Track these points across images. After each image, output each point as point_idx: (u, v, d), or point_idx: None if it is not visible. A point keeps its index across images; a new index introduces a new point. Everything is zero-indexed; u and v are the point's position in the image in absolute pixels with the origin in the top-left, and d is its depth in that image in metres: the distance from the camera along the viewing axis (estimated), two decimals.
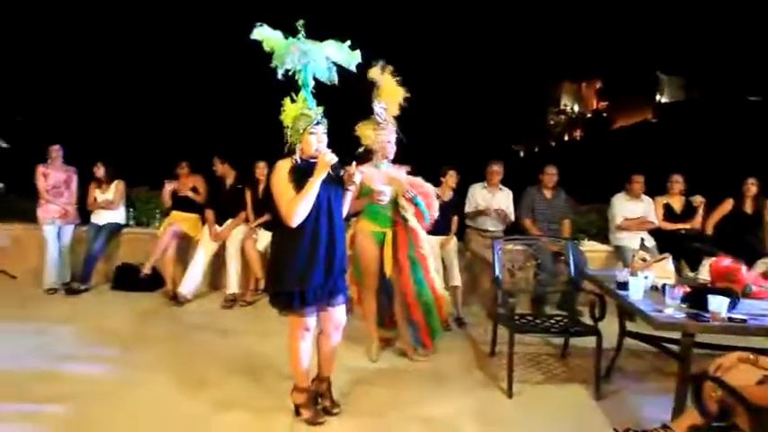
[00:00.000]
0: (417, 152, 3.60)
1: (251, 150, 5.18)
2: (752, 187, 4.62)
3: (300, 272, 2.31)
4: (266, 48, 2.36)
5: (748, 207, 4.64)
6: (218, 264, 4.86)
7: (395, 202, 3.22)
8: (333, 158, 2.29)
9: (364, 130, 3.24)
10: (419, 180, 3.37)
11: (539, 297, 4.34)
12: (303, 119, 2.32)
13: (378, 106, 3.17)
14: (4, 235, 5.37)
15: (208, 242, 4.68)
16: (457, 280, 4.28)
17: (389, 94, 3.21)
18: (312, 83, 2.41)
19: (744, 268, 2.84)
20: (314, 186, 2.27)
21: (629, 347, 3.27)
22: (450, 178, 4.45)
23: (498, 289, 3.36)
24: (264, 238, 4.70)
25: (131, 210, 5.38)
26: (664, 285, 2.62)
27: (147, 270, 4.75)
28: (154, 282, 4.88)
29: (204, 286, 4.91)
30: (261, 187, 4.76)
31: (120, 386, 2.94)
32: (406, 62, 3.19)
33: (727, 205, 4.67)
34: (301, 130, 2.32)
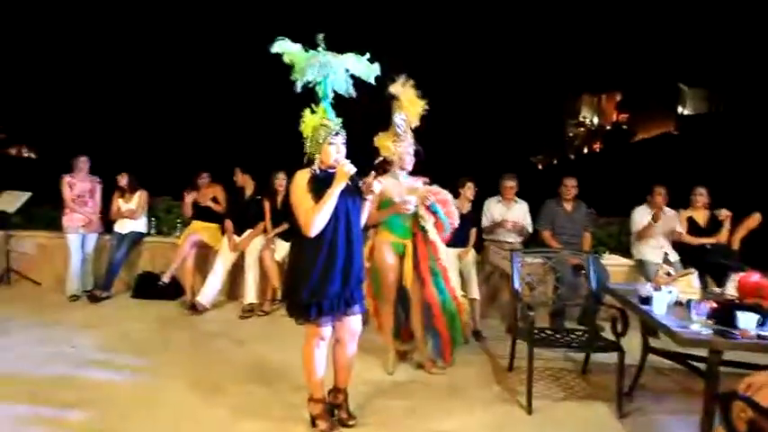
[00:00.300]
0: (435, 164, 3.60)
1: (269, 161, 5.22)
2: None
3: (318, 281, 2.32)
4: (287, 60, 2.39)
5: None
6: (236, 274, 4.90)
7: (414, 213, 3.22)
8: (351, 169, 2.31)
9: (383, 142, 3.26)
10: (436, 188, 3.36)
11: (558, 311, 4.26)
12: (323, 129, 2.35)
13: (398, 117, 3.19)
14: (30, 242, 5.52)
15: (227, 252, 4.73)
16: (475, 293, 4.23)
17: (409, 106, 3.22)
18: (331, 94, 2.44)
19: None
20: (332, 197, 2.29)
21: (652, 364, 3.18)
22: (468, 190, 4.42)
23: (518, 302, 3.31)
24: (282, 249, 4.73)
25: (153, 219, 5.48)
26: (689, 301, 2.54)
27: (166, 279, 4.82)
28: (173, 290, 4.94)
29: (222, 296, 4.96)
30: (279, 198, 4.80)
31: (140, 393, 2.97)
32: (425, 74, 3.20)
33: (754, 220, 4.54)
34: (321, 141, 2.34)
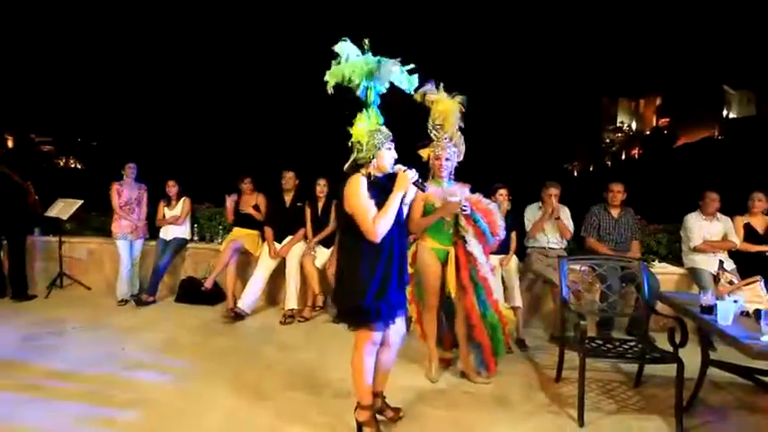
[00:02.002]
0: (471, 171, 3.54)
1: (306, 167, 5.27)
2: None
3: (379, 286, 2.31)
4: (343, 64, 2.36)
5: None
6: (276, 280, 4.95)
7: (456, 221, 3.17)
8: (414, 176, 2.35)
9: (424, 149, 3.25)
10: (478, 196, 3.30)
11: (606, 321, 4.11)
12: (379, 135, 2.34)
13: (432, 125, 3.21)
14: (81, 248, 5.74)
15: (267, 259, 4.78)
16: (518, 301, 4.13)
17: (443, 112, 3.20)
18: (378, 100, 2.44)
19: None
20: (395, 202, 2.32)
21: (710, 379, 3.01)
22: (501, 196, 4.30)
23: (566, 310, 3.20)
24: (322, 255, 4.75)
25: (196, 226, 5.61)
26: (758, 311, 2.39)
27: (208, 284, 4.90)
28: (215, 296, 5.03)
29: (263, 301, 5.01)
30: (320, 204, 4.84)
31: (186, 396, 3.02)
32: (461, 81, 3.20)
33: None
34: (379, 146, 2.33)
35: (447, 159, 3.23)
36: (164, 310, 4.94)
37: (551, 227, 4.43)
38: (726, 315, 2.41)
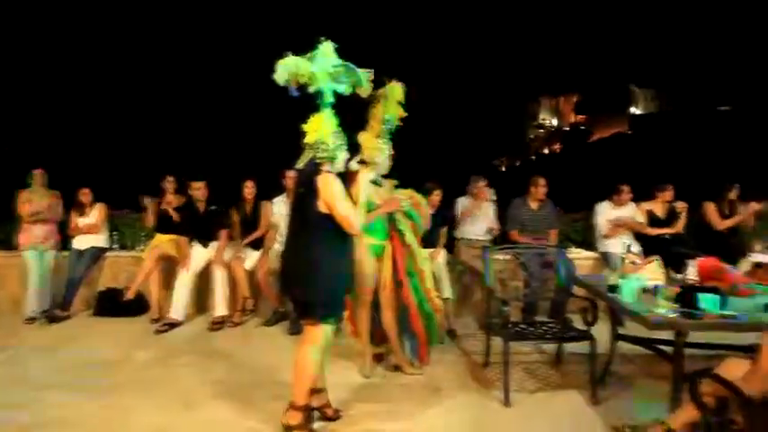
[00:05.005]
0: (401, 167, 3.60)
1: (216, 169, 5.11)
2: (731, 192, 4.78)
3: (349, 279, 2.56)
4: (300, 72, 2.34)
5: (727, 210, 4.80)
6: (203, 285, 4.77)
7: (391, 216, 3.22)
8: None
9: (371, 142, 3.17)
10: (410, 191, 3.37)
11: (529, 306, 4.35)
12: (339, 136, 2.47)
13: (388, 119, 3.18)
14: None
15: (194, 263, 4.59)
16: (448, 292, 4.26)
17: (396, 109, 3.21)
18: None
19: (729, 267, 2.89)
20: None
21: (620, 351, 3.28)
22: (437, 197, 4.43)
23: (491, 298, 3.35)
24: (251, 258, 4.64)
25: (115, 233, 5.27)
26: (655, 287, 2.64)
27: (131, 294, 4.63)
28: (138, 306, 4.76)
29: (189, 309, 4.80)
30: (249, 207, 4.73)
31: (108, 414, 2.84)
32: (390, 77, 3.21)
33: (712, 209, 4.80)
34: (342, 146, 2.48)
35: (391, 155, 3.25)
36: (80, 325, 4.59)
37: (479, 220, 4.63)
38: (630, 292, 2.64)
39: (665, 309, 2.44)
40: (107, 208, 5.08)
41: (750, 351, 2.12)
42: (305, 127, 2.44)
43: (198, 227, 4.66)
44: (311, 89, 2.40)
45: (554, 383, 3.22)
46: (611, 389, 3.08)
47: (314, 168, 2.42)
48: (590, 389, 2.94)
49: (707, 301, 2.38)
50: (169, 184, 4.86)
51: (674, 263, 4.39)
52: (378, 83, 3.12)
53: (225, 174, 4.89)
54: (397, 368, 3.38)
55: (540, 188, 4.76)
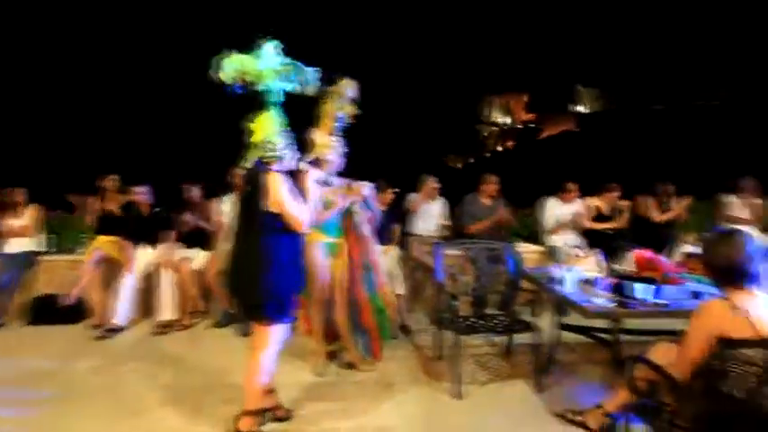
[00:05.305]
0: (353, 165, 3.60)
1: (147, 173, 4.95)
2: (666, 187, 5.10)
3: (300, 278, 2.51)
4: (246, 70, 2.31)
5: (663, 204, 5.12)
6: (148, 287, 4.58)
7: (347, 211, 3.21)
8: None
9: (324, 140, 3.16)
10: (358, 183, 3.37)
11: (479, 299, 4.44)
12: (286, 135, 2.44)
13: (341, 117, 3.17)
14: None
15: (137, 265, 4.40)
16: (400, 288, 4.29)
17: (348, 107, 3.19)
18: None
19: (663, 258, 3.07)
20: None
21: (564, 341, 3.42)
22: (389, 195, 4.47)
23: (441, 293, 3.41)
24: (199, 258, 4.50)
25: (52, 236, 4.97)
26: (595, 278, 2.77)
27: (70, 300, 4.37)
28: (77, 312, 4.51)
29: (134, 313, 4.59)
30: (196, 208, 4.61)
31: (50, 425, 2.69)
32: (342, 74, 3.20)
33: (653, 203, 5.07)
34: (288, 145, 2.45)
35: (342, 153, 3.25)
36: (12, 335, 4.29)
37: (431, 216, 4.71)
38: (570, 284, 2.75)
39: (602, 299, 2.56)
40: (40, 209, 4.79)
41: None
42: (251, 126, 2.39)
43: (142, 229, 4.48)
44: (258, 87, 2.36)
45: (504, 374, 3.31)
46: (554, 376, 3.20)
47: (261, 167, 2.39)
48: (534, 378, 3.05)
49: (642, 290, 2.51)
50: (111, 182, 4.63)
51: (615, 256, 4.65)
52: (328, 81, 3.13)
53: (166, 174, 4.72)
54: (350, 365, 3.38)
55: (490, 185, 4.89)
